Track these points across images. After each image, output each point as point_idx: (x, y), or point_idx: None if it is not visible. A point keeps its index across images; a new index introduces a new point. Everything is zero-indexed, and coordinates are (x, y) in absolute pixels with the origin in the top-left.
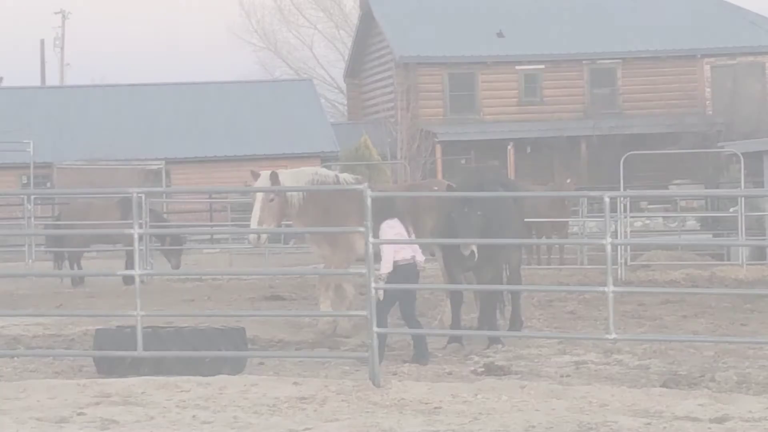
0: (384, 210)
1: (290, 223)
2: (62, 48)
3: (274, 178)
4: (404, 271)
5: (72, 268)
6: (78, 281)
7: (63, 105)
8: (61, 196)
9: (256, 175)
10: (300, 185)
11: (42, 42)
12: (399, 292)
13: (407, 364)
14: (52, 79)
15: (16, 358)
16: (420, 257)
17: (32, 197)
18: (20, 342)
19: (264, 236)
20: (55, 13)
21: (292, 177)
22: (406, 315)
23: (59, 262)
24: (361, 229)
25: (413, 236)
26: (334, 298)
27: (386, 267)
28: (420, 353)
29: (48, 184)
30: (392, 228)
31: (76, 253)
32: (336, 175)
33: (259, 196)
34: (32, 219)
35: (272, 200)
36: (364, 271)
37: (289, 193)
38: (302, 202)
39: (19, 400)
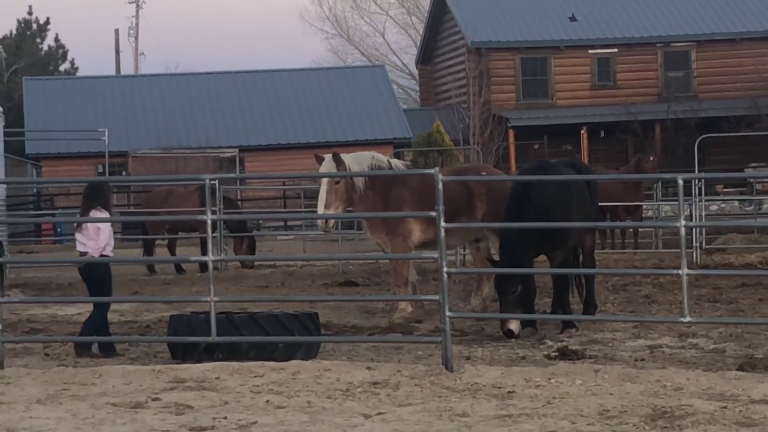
0: (92, 198)
1: (351, 209)
2: (136, 37)
3: (337, 158)
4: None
5: (149, 254)
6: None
7: (137, 94)
8: (136, 184)
9: (320, 159)
10: (364, 169)
11: (116, 32)
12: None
13: (479, 348)
14: (127, 69)
15: (93, 345)
16: (88, 249)
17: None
18: None
19: (332, 220)
20: (129, 2)
21: (354, 160)
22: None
23: (150, 250)
24: (433, 213)
25: (106, 228)
26: (410, 292)
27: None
28: (81, 344)
29: (123, 173)
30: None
31: (151, 240)
32: (388, 161)
33: (325, 179)
34: None
35: (338, 183)
36: (435, 255)
37: (354, 177)
38: (364, 187)
39: (95, 385)
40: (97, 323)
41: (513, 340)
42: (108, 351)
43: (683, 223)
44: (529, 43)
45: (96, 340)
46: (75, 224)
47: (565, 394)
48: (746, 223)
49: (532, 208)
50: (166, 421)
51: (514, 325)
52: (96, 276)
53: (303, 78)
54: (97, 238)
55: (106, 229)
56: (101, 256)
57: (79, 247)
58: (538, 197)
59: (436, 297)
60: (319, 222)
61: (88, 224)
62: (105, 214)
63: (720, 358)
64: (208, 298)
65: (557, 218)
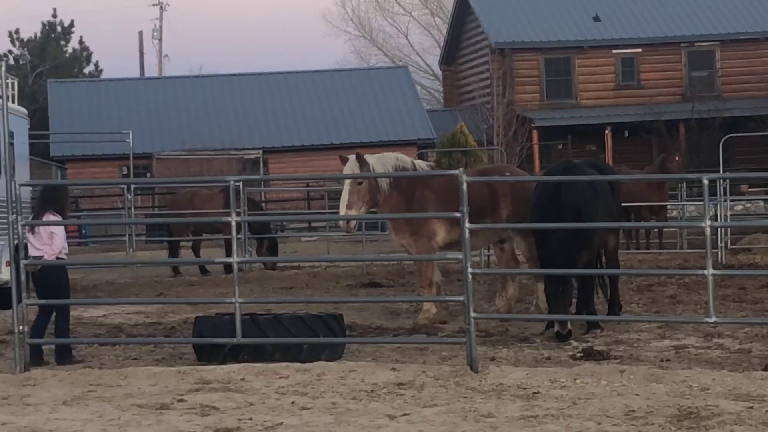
0: (46, 201)
1: (375, 210)
2: (160, 39)
3: (360, 159)
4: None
5: (174, 256)
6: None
7: (161, 96)
8: (160, 186)
9: (344, 160)
10: (388, 170)
11: (140, 34)
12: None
13: (504, 349)
14: (151, 71)
15: (117, 346)
16: (43, 253)
17: (132, 187)
18: (122, 330)
19: (354, 221)
20: (153, 5)
21: (378, 161)
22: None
23: (175, 251)
24: (457, 214)
25: (60, 232)
26: (434, 293)
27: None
28: (61, 353)
29: (148, 175)
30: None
31: (176, 242)
32: (412, 161)
33: (347, 180)
34: (132, 209)
35: (360, 184)
36: (460, 256)
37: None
38: (388, 188)
39: (120, 387)
40: (67, 325)
41: (538, 341)
42: (66, 356)
43: (708, 223)
44: (553, 44)
45: (118, 342)
46: (27, 227)
47: (591, 395)
48: None
49: (565, 209)
50: (192, 422)
51: (570, 327)
52: (53, 280)
53: (326, 79)
54: (51, 242)
55: (60, 233)
56: (56, 259)
57: (32, 251)
58: (566, 198)
59: (461, 298)
60: (341, 223)
61: (41, 228)
62: (58, 218)
63: (746, 358)
64: (233, 300)
65: (584, 219)
